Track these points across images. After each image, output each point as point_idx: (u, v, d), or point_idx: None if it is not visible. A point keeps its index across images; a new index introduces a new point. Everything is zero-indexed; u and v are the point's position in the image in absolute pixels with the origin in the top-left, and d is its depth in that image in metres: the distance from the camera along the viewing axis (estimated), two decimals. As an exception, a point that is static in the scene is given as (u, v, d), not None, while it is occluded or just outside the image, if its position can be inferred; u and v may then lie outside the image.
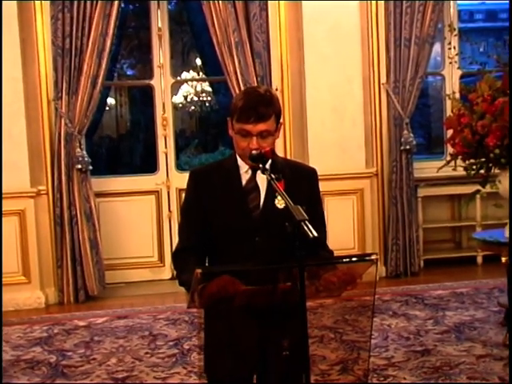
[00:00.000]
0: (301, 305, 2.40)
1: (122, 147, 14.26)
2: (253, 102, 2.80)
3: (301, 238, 2.35)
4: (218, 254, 2.92)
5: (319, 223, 2.90)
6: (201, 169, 3.20)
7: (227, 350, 2.88)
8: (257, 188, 2.90)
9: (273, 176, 2.66)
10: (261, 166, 2.75)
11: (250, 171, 2.89)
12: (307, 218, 2.37)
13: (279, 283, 2.57)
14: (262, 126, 2.78)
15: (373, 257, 2.57)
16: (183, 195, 3.14)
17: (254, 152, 2.76)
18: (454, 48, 6.99)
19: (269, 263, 2.61)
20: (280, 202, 2.74)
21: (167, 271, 7.79)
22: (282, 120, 2.94)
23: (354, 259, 2.67)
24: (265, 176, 2.74)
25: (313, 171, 3.08)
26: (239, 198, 2.89)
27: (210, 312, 2.96)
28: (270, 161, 2.84)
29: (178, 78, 11.11)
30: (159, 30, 7.74)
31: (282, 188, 2.60)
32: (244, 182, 2.91)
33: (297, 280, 2.39)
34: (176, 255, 3.00)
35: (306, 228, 2.34)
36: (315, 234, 2.33)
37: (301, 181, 2.94)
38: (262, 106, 2.78)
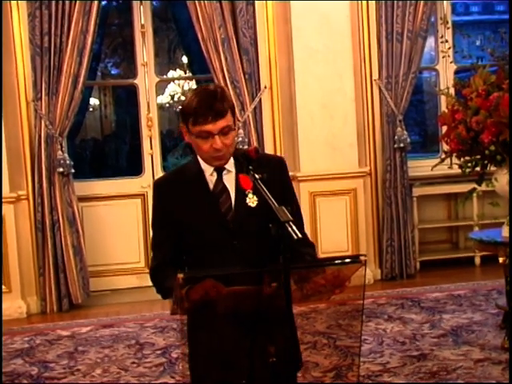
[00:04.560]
0: (287, 309, 2.42)
1: (106, 149, 14.12)
2: (207, 101, 2.70)
3: (284, 239, 2.32)
4: (197, 263, 2.83)
5: (295, 213, 2.78)
6: (163, 179, 3.08)
7: (214, 359, 2.81)
8: (225, 190, 2.82)
9: (256, 176, 2.58)
10: (248, 166, 2.67)
11: (215, 174, 2.82)
12: (292, 218, 2.34)
13: (264, 286, 2.50)
14: (221, 123, 2.69)
15: (361, 258, 2.51)
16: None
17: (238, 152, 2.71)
18: (447, 41, 6.82)
19: (253, 267, 2.54)
20: (251, 200, 2.71)
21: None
22: (236, 115, 2.84)
23: (341, 261, 2.58)
24: (231, 176, 2.76)
25: (280, 160, 3.03)
26: (210, 204, 2.82)
27: (194, 321, 2.89)
28: (231, 159, 2.80)
29: (164, 76, 10.94)
30: (142, 27, 7.60)
31: (249, 186, 2.60)
32: (211, 186, 2.83)
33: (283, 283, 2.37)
34: (153, 272, 2.92)
35: (290, 229, 2.31)
36: (299, 235, 2.30)
37: (268, 173, 2.77)
38: (217, 102, 2.70)
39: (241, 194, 2.75)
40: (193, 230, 2.80)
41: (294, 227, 2.31)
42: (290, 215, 2.36)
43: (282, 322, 2.48)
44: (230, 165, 2.79)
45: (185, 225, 2.80)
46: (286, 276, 2.39)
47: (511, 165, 5.12)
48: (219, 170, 2.80)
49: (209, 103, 2.68)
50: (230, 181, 2.80)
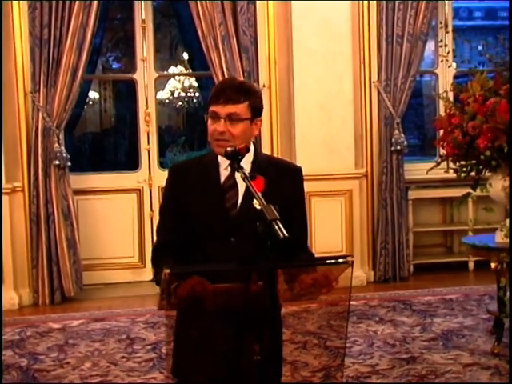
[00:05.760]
0: (271, 307, 2.45)
1: (105, 143, 14.08)
2: (224, 86, 2.86)
3: (273, 238, 2.33)
4: (195, 252, 2.85)
5: (300, 224, 2.94)
6: (180, 164, 3.19)
7: (201, 354, 2.82)
8: (235, 186, 2.82)
9: (246, 174, 2.60)
10: (237, 163, 2.68)
11: (229, 168, 2.81)
12: (279, 217, 2.35)
13: (251, 284, 2.49)
14: (230, 108, 2.76)
15: (348, 259, 2.49)
16: (166, 193, 3.03)
17: (228, 148, 2.68)
18: (446, 46, 6.82)
19: (241, 264, 2.50)
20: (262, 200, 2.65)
21: (148, 272, 7.56)
22: (261, 118, 2.88)
23: (328, 261, 2.57)
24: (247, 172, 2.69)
25: (297, 169, 3.01)
26: (216, 196, 2.83)
27: (183, 316, 2.89)
28: (252, 158, 2.84)
29: (164, 72, 10.94)
30: (143, 22, 7.59)
31: (262, 186, 2.57)
32: (222, 180, 2.84)
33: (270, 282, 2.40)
34: (154, 253, 2.96)
35: (276, 228, 2.32)
36: (286, 234, 2.30)
37: (284, 179, 2.87)
38: (233, 89, 2.79)
39: (249, 194, 2.69)
40: (195, 220, 2.82)
41: (281, 226, 2.31)
42: (277, 214, 2.36)
43: (267, 320, 2.50)
44: (247, 163, 2.79)
45: (189, 213, 2.83)
46: (271, 274, 2.41)
47: (511, 169, 5.12)
48: (233, 166, 2.78)
49: (225, 88, 2.80)
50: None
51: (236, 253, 2.70)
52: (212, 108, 2.78)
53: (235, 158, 2.67)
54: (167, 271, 2.38)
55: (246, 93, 2.79)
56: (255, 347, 2.54)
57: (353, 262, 2.49)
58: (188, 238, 2.85)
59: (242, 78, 6.97)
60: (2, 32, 6.72)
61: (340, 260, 2.52)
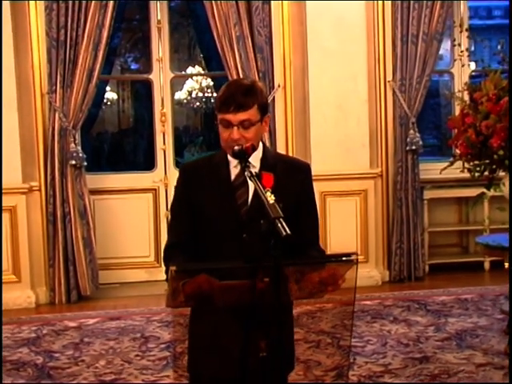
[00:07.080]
0: (276, 304, 2.42)
1: (124, 143, 14.13)
2: (232, 92, 2.79)
3: (276, 236, 2.35)
4: (207, 250, 2.86)
5: (311, 221, 2.95)
6: (190, 164, 3.20)
7: (211, 351, 2.85)
8: (245, 183, 2.82)
9: (252, 172, 2.63)
10: (245, 162, 2.71)
11: (238, 166, 2.82)
12: (282, 215, 2.37)
13: (257, 281, 2.50)
14: (242, 115, 2.75)
15: (352, 257, 2.47)
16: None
17: (235, 148, 2.72)
18: (459, 45, 6.81)
19: (246, 262, 2.52)
20: (269, 198, 2.64)
21: (163, 272, 7.56)
22: (269, 114, 2.92)
23: (333, 259, 2.59)
24: (254, 171, 2.70)
25: (306, 166, 3.01)
26: (227, 194, 2.84)
27: (194, 313, 2.93)
28: (260, 155, 2.86)
29: (182, 72, 11.00)
30: (158, 22, 7.62)
31: (271, 182, 2.61)
32: (233, 177, 2.86)
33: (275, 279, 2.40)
34: (165, 252, 2.99)
35: (279, 226, 2.34)
36: (288, 232, 2.32)
37: (293, 175, 2.88)
38: (241, 94, 2.76)
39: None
40: (206, 217, 2.84)
41: (284, 224, 2.33)
42: (280, 212, 2.38)
43: (273, 317, 2.50)
44: (256, 160, 2.82)
45: (200, 211, 2.85)
46: (276, 271, 2.41)
47: (511, 169, 5.10)
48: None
49: (233, 94, 2.76)
50: None
51: (247, 250, 2.72)
52: (223, 116, 2.77)
53: (242, 156, 2.70)
54: (173, 268, 2.42)
55: (254, 94, 2.79)
56: (261, 344, 2.56)
57: (357, 259, 2.49)
58: (199, 236, 2.87)
59: (255, 78, 6.99)
60: (1, 31, 6.76)
61: (344, 258, 2.51)
